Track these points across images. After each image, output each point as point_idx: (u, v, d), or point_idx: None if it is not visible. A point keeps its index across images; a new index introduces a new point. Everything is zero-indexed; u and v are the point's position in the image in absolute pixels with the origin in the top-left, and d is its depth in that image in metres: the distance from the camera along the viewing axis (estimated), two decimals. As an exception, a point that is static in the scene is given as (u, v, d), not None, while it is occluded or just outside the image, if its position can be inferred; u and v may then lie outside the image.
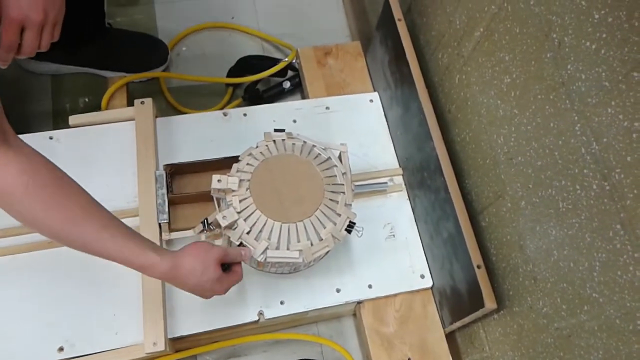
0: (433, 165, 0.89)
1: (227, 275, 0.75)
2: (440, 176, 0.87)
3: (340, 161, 0.88)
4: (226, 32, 1.31)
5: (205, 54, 1.27)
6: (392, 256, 0.97)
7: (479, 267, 0.80)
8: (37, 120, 1.14)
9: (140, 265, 0.68)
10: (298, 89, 1.21)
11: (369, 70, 1.15)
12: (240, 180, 0.82)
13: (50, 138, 0.97)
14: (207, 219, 0.84)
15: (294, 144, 0.87)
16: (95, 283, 0.87)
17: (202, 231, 0.84)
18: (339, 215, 0.82)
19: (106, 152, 0.97)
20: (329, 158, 0.87)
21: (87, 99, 1.17)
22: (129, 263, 0.67)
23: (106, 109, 1.08)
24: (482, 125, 0.82)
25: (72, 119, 0.98)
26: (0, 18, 0.67)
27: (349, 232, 0.83)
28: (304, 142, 0.88)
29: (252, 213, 0.80)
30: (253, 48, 1.29)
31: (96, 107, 1.10)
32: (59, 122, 1.13)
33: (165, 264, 0.68)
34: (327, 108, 1.08)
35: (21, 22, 0.67)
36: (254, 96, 1.20)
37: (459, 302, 0.87)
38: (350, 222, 0.83)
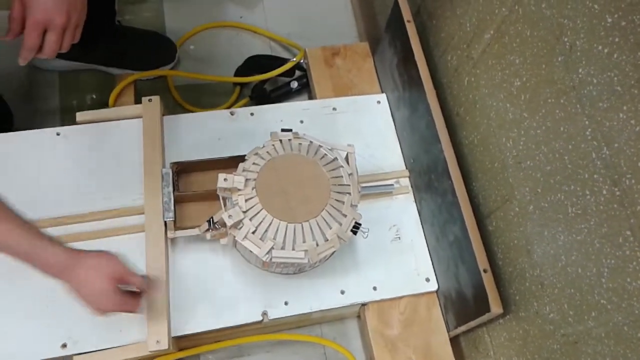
0: (440, 167, 0.89)
1: (121, 296, 0.72)
2: (448, 179, 0.86)
3: (347, 162, 0.88)
4: (234, 31, 1.31)
5: (213, 53, 1.27)
6: (397, 258, 0.96)
7: (485, 271, 0.80)
8: (44, 117, 1.14)
9: (44, 260, 0.67)
10: (305, 89, 1.21)
11: (376, 72, 1.14)
12: (247, 180, 0.82)
13: (58, 134, 0.97)
14: (212, 217, 0.84)
15: (300, 144, 0.87)
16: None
17: (207, 230, 0.84)
18: (345, 216, 0.82)
19: (113, 149, 0.97)
20: (336, 159, 0.87)
21: (94, 96, 1.18)
22: (37, 260, 0.67)
23: (113, 106, 1.08)
24: (490, 128, 0.81)
25: (79, 116, 0.98)
26: (25, 19, 0.67)
27: (355, 233, 0.82)
28: (311, 142, 0.88)
29: (257, 212, 0.80)
30: (261, 47, 1.29)
31: (103, 104, 1.10)
32: (66, 118, 1.14)
33: (66, 255, 0.68)
34: (334, 109, 1.07)
35: (45, 24, 0.68)
36: (262, 96, 1.19)
37: (464, 306, 0.87)
38: (356, 223, 0.82)
